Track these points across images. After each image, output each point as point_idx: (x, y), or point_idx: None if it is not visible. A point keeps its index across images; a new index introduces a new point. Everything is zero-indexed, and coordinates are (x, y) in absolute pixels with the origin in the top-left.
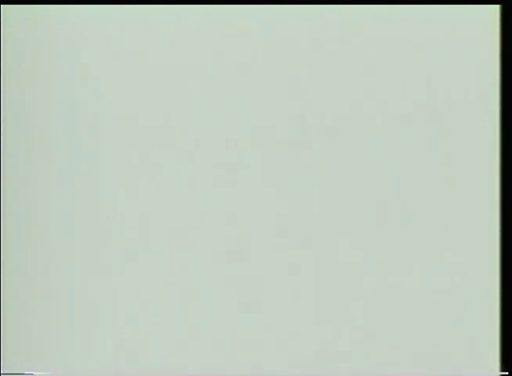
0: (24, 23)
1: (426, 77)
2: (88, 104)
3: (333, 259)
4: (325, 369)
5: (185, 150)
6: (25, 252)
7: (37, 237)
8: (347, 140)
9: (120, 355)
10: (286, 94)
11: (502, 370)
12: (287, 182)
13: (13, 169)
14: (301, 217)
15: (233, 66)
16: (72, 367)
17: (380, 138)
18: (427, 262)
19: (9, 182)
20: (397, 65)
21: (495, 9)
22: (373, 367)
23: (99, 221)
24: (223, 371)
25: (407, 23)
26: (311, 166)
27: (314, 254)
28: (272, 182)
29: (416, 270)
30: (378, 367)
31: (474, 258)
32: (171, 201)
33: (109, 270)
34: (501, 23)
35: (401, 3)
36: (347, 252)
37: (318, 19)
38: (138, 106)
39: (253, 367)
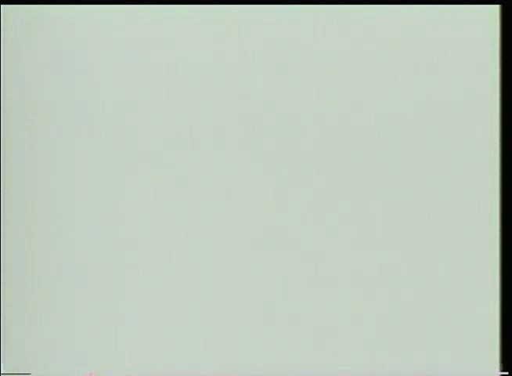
0: (24, 23)
1: (425, 77)
2: (88, 104)
3: (331, 261)
4: (322, 368)
5: (186, 149)
6: (25, 252)
7: (38, 237)
8: (347, 140)
9: (120, 355)
10: (285, 94)
11: (502, 370)
12: (285, 188)
13: (13, 170)
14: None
15: (233, 67)
16: (72, 367)
17: (380, 138)
18: (428, 262)
19: (9, 182)
20: (396, 65)
21: (495, 9)
22: (372, 367)
23: (99, 221)
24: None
25: (407, 23)
26: (310, 167)
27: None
28: (269, 184)
29: (416, 270)
30: (378, 367)
31: (474, 257)
32: (171, 201)
33: (110, 270)
34: (501, 23)
35: (401, 3)
36: (346, 252)
37: (318, 20)
38: (139, 106)
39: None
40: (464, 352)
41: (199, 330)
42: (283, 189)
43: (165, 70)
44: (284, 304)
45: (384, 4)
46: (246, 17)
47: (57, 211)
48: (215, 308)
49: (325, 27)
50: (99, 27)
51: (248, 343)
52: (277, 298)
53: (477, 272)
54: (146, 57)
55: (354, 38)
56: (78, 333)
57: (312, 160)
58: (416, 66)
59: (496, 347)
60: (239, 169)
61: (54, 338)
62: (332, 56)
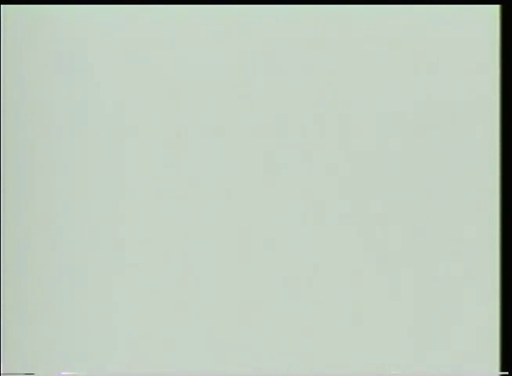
0: (24, 23)
1: (425, 77)
2: (88, 104)
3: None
4: (322, 369)
5: (186, 149)
6: (25, 252)
7: (38, 237)
8: (347, 140)
9: (119, 355)
10: (285, 94)
11: (502, 370)
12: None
13: (13, 170)
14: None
15: (233, 67)
16: (72, 367)
17: (379, 138)
18: (428, 261)
19: (9, 182)
20: (396, 65)
21: (495, 9)
22: (372, 367)
23: (99, 221)
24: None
25: (407, 23)
26: (310, 167)
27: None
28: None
29: (416, 270)
30: (378, 367)
31: (475, 257)
32: (171, 201)
33: (110, 270)
34: (501, 23)
35: (401, 3)
36: (345, 253)
37: (318, 20)
38: (139, 106)
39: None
40: (464, 352)
41: (199, 330)
42: (282, 188)
43: (165, 70)
44: (284, 304)
45: (384, 4)
46: (247, 17)
47: (57, 211)
48: (215, 308)
49: (325, 27)
50: (99, 27)
51: (248, 343)
52: (277, 298)
53: (477, 272)
54: (146, 57)
55: (354, 38)
56: (78, 333)
57: (312, 160)
58: (416, 66)
59: (496, 347)
60: (239, 169)
61: (54, 337)
62: (332, 56)
